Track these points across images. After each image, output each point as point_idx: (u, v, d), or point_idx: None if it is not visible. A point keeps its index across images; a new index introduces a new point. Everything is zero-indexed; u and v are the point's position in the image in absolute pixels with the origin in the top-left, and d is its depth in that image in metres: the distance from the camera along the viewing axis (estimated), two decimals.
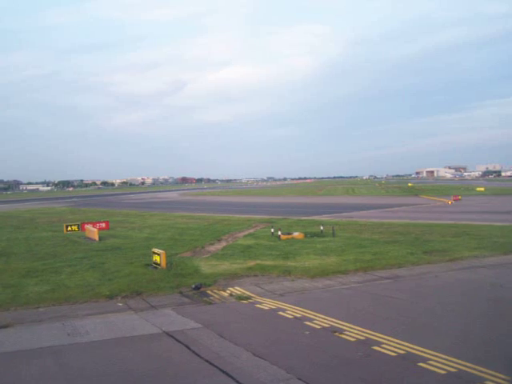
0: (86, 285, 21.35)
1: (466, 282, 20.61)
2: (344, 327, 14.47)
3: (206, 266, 25.02)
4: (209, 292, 20.09)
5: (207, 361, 12.20)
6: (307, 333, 14.21)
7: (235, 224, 48.07)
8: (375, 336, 13.49)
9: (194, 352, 12.92)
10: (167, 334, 14.69)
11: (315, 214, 58.78)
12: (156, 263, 24.87)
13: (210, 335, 14.40)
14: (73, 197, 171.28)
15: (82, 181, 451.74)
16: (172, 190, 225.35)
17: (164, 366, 12.09)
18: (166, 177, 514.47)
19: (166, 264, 24.66)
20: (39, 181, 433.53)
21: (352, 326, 14.47)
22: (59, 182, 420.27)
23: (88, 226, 42.50)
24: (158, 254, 24.79)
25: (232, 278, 22.55)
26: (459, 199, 79.27)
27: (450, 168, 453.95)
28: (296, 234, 35.38)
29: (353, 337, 13.56)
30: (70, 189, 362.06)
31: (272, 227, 38.48)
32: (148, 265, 25.36)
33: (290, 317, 15.95)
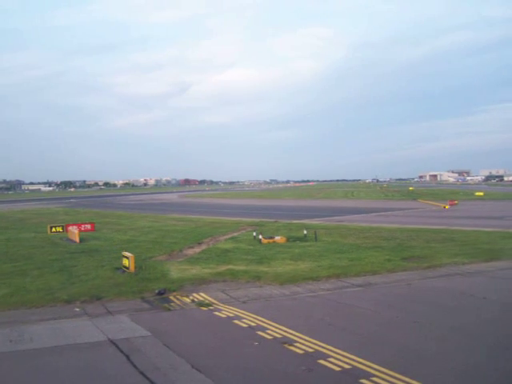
0: (48, 289, 20.69)
1: (438, 290, 19.90)
2: (296, 338, 13.79)
3: (176, 271, 24.37)
4: (171, 298, 19.46)
5: (142, 373, 11.57)
6: (256, 344, 13.55)
7: (222, 227, 47.45)
8: (325, 348, 12.81)
9: (131, 363, 12.29)
10: (112, 342, 14.05)
11: (307, 218, 58.24)
12: (125, 267, 24.26)
13: (156, 344, 13.78)
14: (71, 197, 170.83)
15: (84, 181, 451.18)
16: (173, 192, 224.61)
17: (94, 378, 11.48)
18: (169, 178, 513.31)
19: (135, 268, 24.02)
20: (42, 181, 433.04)
21: (305, 337, 13.79)
22: (61, 183, 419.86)
23: (70, 228, 41.88)
24: (127, 258, 24.17)
25: (200, 283, 21.89)
26: (455, 204, 78.44)
27: (453, 172, 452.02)
28: (278, 238, 34.70)
29: (302, 349, 12.89)
30: (72, 189, 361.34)
31: (254, 231, 37.76)
32: (118, 268, 24.74)
33: (245, 326, 15.30)
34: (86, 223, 47.63)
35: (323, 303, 18.22)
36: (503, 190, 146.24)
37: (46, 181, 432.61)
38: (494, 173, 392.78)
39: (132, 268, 23.82)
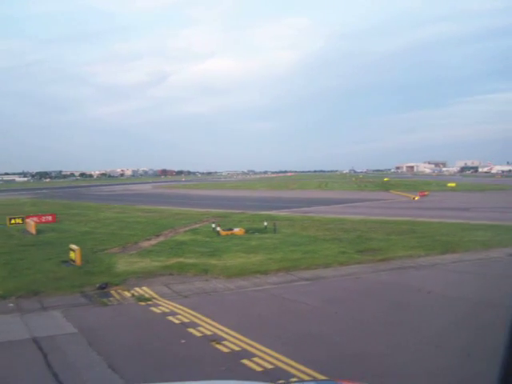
0: None
1: (385, 284, 19.56)
2: (226, 336, 13.26)
3: (124, 264, 23.70)
4: (112, 292, 18.80)
5: (54, 373, 10.97)
6: (183, 341, 13.02)
7: (186, 218, 46.72)
8: (253, 347, 12.29)
9: (47, 362, 11.67)
10: (34, 340, 13.37)
11: (276, 209, 57.55)
12: (72, 260, 23.56)
13: (79, 342, 13.18)
14: (44, 188, 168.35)
15: (60, 172, 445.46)
16: (149, 182, 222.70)
17: (1, 379, 10.86)
18: (146, 168, 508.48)
19: (82, 261, 23.33)
20: (17, 172, 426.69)
21: (236, 335, 13.26)
22: (37, 173, 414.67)
23: (28, 220, 40.84)
24: (74, 251, 23.47)
25: (145, 276, 21.24)
26: (426, 195, 78.53)
27: (429, 163, 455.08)
28: (236, 230, 34.14)
29: (228, 347, 12.36)
30: (47, 180, 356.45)
31: (213, 223, 37.11)
32: (65, 262, 23.99)
33: (177, 322, 14.74)
34: (46, 214, 46.64)
35: (266, 298, 17.73)
36: (476, 181, 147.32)
37: (21, 171, 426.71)
38: (469, 164, 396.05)
39: (78, 261, 23.12)
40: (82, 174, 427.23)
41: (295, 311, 15.93)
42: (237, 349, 12.26)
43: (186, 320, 14.90)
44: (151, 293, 18.53)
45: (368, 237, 31.41)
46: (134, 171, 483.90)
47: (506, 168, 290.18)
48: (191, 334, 13.59)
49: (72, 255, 23.56)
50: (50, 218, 45.52)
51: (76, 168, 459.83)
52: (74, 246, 23.87)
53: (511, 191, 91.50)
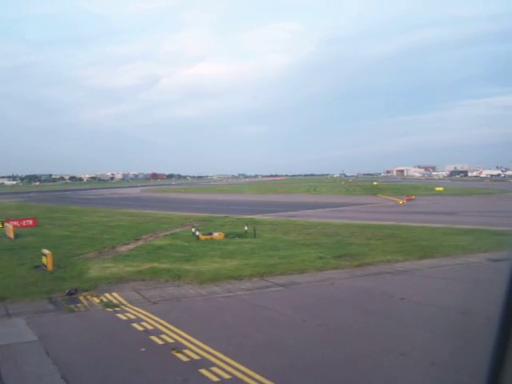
0: None
1: (359, 290, 19.24)
2: (188, 344, 12.93)
3: (97, 269, 23.31)
4: (81, 298, 18.43)
5: None
6: (143, 350, 12.67)
7: (168, 222, 46.39)
8: (213, 356, 11.96)
9: None
10: None
11: (261, 213, 57.30)
12: (44, 265, 23.15)
13: (37, 351, 12.81)
14: (32, 192, 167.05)
15: (50, 175, 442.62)
16: (138, 186, 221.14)
17: None
18: (136, 172, 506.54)
19: (54, 266, 22.93)
20: (6, 175, 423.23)
21: (197, 343, 12.93)
22: (26, 177, 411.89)
23: (7, 224, 40.29)
24: (45, 255, 23.07)
25: (117, 282, 20.88)
26: (412, 199, 78.48)
27: (419, 167, 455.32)
28: (216, 235, 33.82)
29: (188, 356, 12.02)
30: (37, 183, 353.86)
31: (193, 227, 36.73)
32: (37, 267, 23.60)
33: (141, 329, 14.39)
34: (27, 218, 46.12)
35: (235, 305, 17.42)
36: (464, 185, 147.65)
37: (10, 174, 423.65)
38: (459, 168, 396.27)
39: (50, 266, 22.74)
40: (72, 178, 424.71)
41: (263, 318, 15.59)
42: (197, 358, 11.93)
43: (149, 327, 14.57)
44: (120, 299, 18.18)
45: (348, 241, 31.16)
46: (124, 175, 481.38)
47: (495, 172, 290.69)
48: (153, 341, 13.26)
49: (44, 260, 23.16)
50: (30, 222, 45.08)
51: (66, 171, 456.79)
52: (46, 251, 23.49)
53: (498, 195, 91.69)
